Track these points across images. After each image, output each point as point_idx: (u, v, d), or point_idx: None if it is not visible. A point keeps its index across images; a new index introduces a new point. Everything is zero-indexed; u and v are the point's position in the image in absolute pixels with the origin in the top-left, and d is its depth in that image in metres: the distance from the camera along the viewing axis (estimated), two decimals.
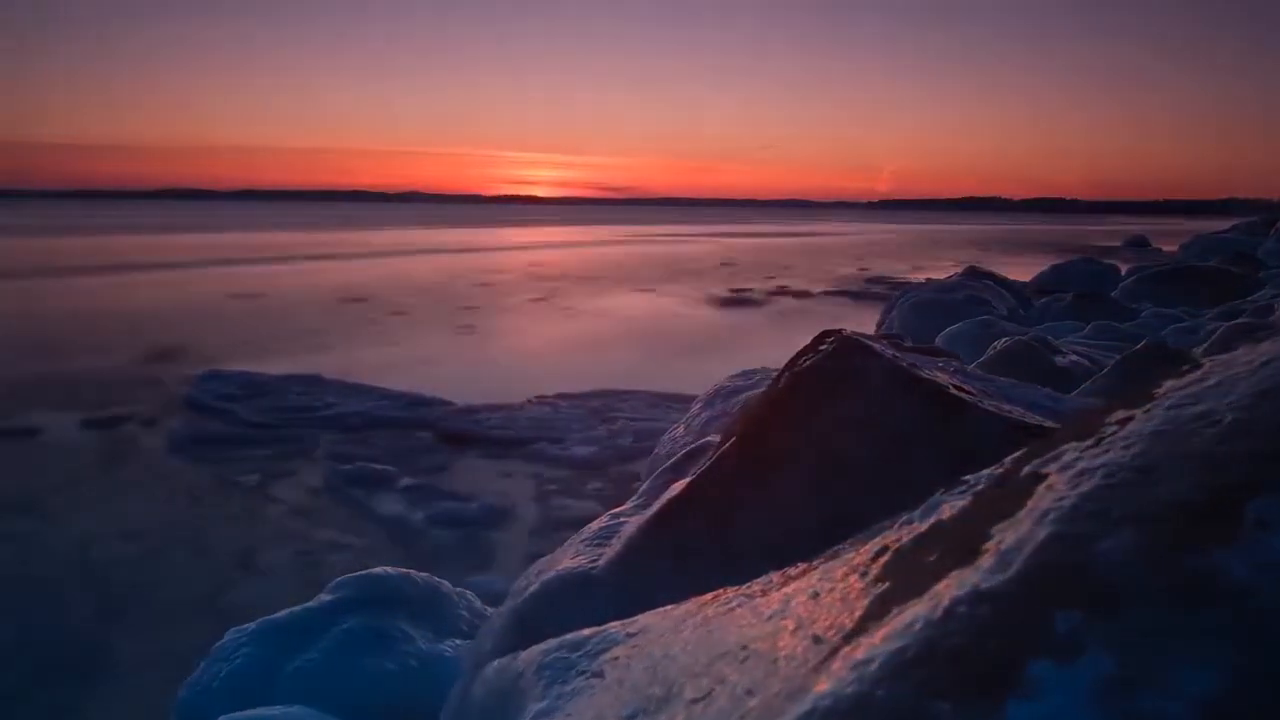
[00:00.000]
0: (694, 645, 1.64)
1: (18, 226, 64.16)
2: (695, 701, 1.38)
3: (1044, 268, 22.25)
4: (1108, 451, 1.25)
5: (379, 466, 8.32)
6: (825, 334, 3.10)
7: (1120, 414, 1.38)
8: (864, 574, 1.48)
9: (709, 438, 4.33)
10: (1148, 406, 1.35)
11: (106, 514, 7.26)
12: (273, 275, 29.17)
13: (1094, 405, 2.90)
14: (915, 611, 1.13)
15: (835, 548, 1.79)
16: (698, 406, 6.42)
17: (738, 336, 17.11)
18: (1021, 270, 24.15)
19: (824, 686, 1.09)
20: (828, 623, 1.35)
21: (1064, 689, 0.93)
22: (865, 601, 1.34)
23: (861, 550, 1.61)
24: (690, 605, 1.95)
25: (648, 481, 3.92)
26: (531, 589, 2.96)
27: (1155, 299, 15.94)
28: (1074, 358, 7.98)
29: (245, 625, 3.68)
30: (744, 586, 1.88)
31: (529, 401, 10.88)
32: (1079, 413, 2.69)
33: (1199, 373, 1.42)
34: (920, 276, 24.43)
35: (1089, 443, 1.32)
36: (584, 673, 1.86)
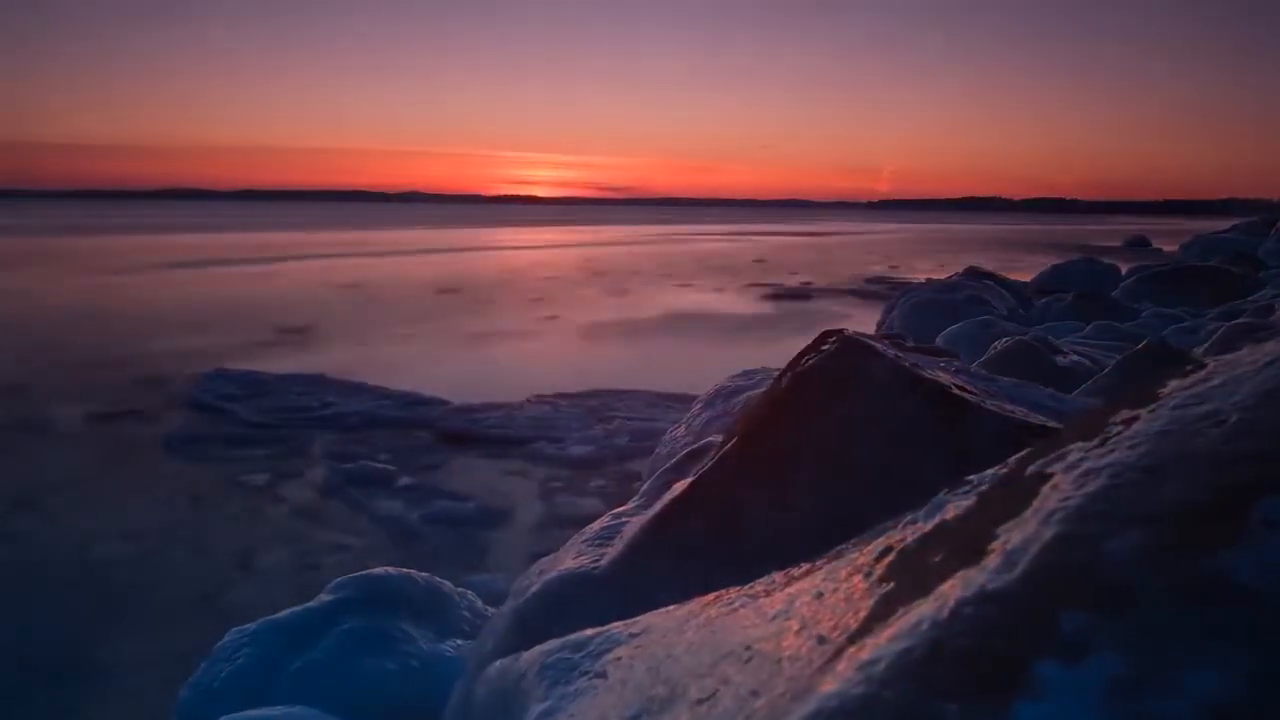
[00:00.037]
0: (697, 646, 1.64)
1: (19, 226, 64.18)
2: (699, 702, 1.38)
3: (1044, 268, 22.26)
4: (1113, 451, 1.24)
5: (379, 466, 8.32)
6: (827, 334, 3.10)
7: (1125, 414, 1.38)
8: (868, 574, 1.47)
9: (710, 438, 4.33)
10: (1152, 406, 1.34)
11: (105, 513, 7.25)
12: (360, 269, 30.49)
13: (1097, 405, 2.90)
14: (921, 612, 1.13)
15: (839, 548, 1.79)
16: (698, 406, 6.42)
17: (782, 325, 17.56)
18: (1021, 270, 24.14)
19: (830, 687, 1.09)
20: (832, 623, 1.35)
21: (1071, 690, 0.93)
22: (870, 602, 1.34)
23: (865, 550, 1.60)
24: (693, 605, 1.94)
25: (649, 481, 3.92)
26: (533, 589, 2.95)
27: (1155, 299, 15.94)
28: (1075, 358, 7.98)
29: (246, 625, 3.67)
30: (747, 587, 1.87)
31: (528, 400, 10.88)
32: (1083, 413, 2.69)
33: (1203, 373, 1.41)
34: (921, 276, 24.45)
35: (1094, 443, 1.31)
36: (587, 673, 1.85)
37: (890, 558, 1.47)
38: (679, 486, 3.07)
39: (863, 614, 1.30)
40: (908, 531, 1.53)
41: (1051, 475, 1.29)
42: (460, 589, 4.05)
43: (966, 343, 10.39)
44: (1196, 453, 1.16)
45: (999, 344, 8.17)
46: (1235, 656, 0.91)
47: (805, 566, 1.81)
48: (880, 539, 1.59)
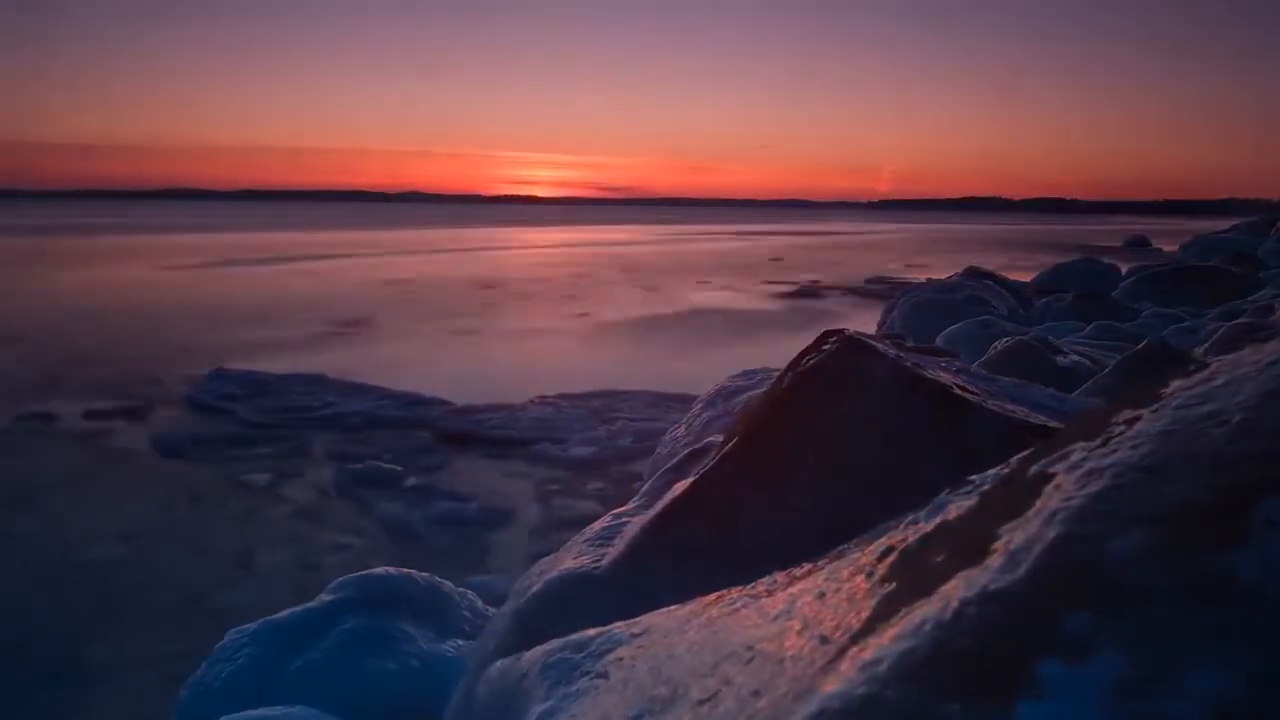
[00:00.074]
0: (699, 646, 1.64)
1: (23, 227, 64.23)
2: (701, 702, 1.37)
3: (1044, 268, 22.25)
4: (1116, 451, 1.24)
5: (380, 466, 8.32)
6: (828, 333, 3.10)
7: (1127, 414, 1.38)
8: (870, 574, 1.47)
9: (711, 438, 4.33)
10: (1155, 406, 1.34)
11: (103, 513, 7.25)
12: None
13: (1098, 405, 2.89)
14: (923, 612, 1.13)
15: (840, 548, 1.79)
16: (699, 406, 6.42)
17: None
18: (1022, 270, 24.14)
19: (833, 687, 1.09)
20: (834, 623, 1.35)
21: (1074, 690, 0.93)
22: (872, 602, 1.33)
23: (867, 550, 1.60)
24: (695, 606, 1.94)
25: (650, 481, 3.92)
26: (534, 589, 2.95)
27: (1155, 299, 15.94)
28: (1075, 358, 7.98)
29: (246, 625, 3.67)
30: (749, 587, 1.87)
31: (530, 401, 10.87)
32: (1084, 413, 2.68)
33: (1206, 373, 1.41)
34: (921, 276, 24.47)
35: (1097, 443, 1.31)
36: (588, 673, 1.85)
37: (892, 558, 1.47)
38: (680, 486, 3.07)
39: (865, 614, 1.30)
40: (909, 531, 1.53)
41: (1054, 475, 1.29)
42: (461, 589, 4.05)
43: (966, 343, 10.39)
44: (1199, 453, 1.16)
45: (999, 344, 8.17)
46: (1241, 657, 0.91)
47: (807, 566, 1.80)
48: (882, 539, 1.59)
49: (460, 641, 3.63)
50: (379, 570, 3.90)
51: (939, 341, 10.59)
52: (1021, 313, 15.20)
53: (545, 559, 3.42)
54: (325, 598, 3.76)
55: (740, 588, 1.89)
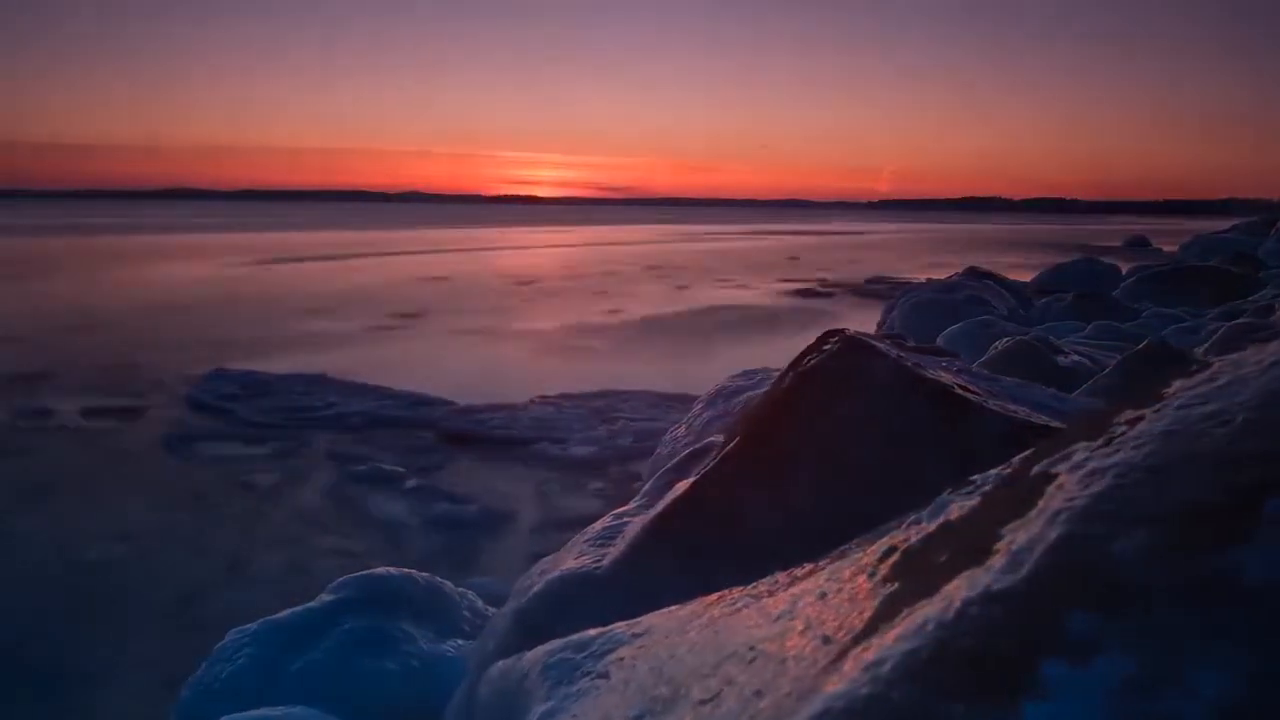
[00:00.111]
0: (700, 646, 1.63)
1: (21, 226, 64.27)
2: (703, 703, 1.37)
3: (1044, 268, 22.24)
4: (1119, 451, 1.24)
5: (380, 467, 8.31)
6: (829, 333, 3.10)
7: (1129, 414, 1.37)
8: (872, 574, 1.47)
9: (711, 438, 4.32)
10: (1158, 406, 1.34)
11: (103, 513, 7.24)
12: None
13: (1099, 405, 2.89)
14: (926, 612, 1.13)
15: (842, 548, 1.79)
16: (699, 406, 6.42)
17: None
18: (1022, 270, 24.13)
19: (836, 687, 1.09)
20: (837, 623, 1.35)
21: (1079, 690, 0.93)
22: (874, 602, 1.33)
23: (869, 551, 1.60)
24: (696, 606, 1.94)
25: (650, 481, 3.91)
26: (535, 589, 2.95)
27: (1156, 299, 15.94)
28: (1075, 358, 7.98)
29: (247, 625, 3.67)
30: (750, 587, 1.87)
31: (532, 402, 10.86)
32: (1086, 413, 2.68)
33: (1208, 373, 1.41)
34: (921, 276, 24.47)
35: (1099, 443, 1.31)
36: (589, 674, 1.85)
37: (894, 558, 1.46)
38: (681, 486, 3.06)
39: (867, 614, 1.29)
40: (911, 532, 1.53)
41: (1056, 475, 1.29)
42: (461, 589, 4.05)
43: (967, 343, 10.39)
44: (1203, 453, 1.15)
45: (999, 344, 8.16)
46: (1246, 658, 0.91)
47: (808, 566, 1.80)
48: (884, 539, 1.59)
49: (460, 641, 3.63)
50: (379, 570, 3.90)
51: (939, 341, 10.59)
52: (1021, 313, 15.20)
53: (546, 559, 3.41)
54: (325, 598, 3.76)
55: (742, 587, 1.89)
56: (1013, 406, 2.87)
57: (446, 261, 35.95)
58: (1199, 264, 20.44)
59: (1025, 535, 1.16)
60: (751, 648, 1.46)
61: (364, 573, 3.87)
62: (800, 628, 1.42)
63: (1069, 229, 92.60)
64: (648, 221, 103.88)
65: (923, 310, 14.51)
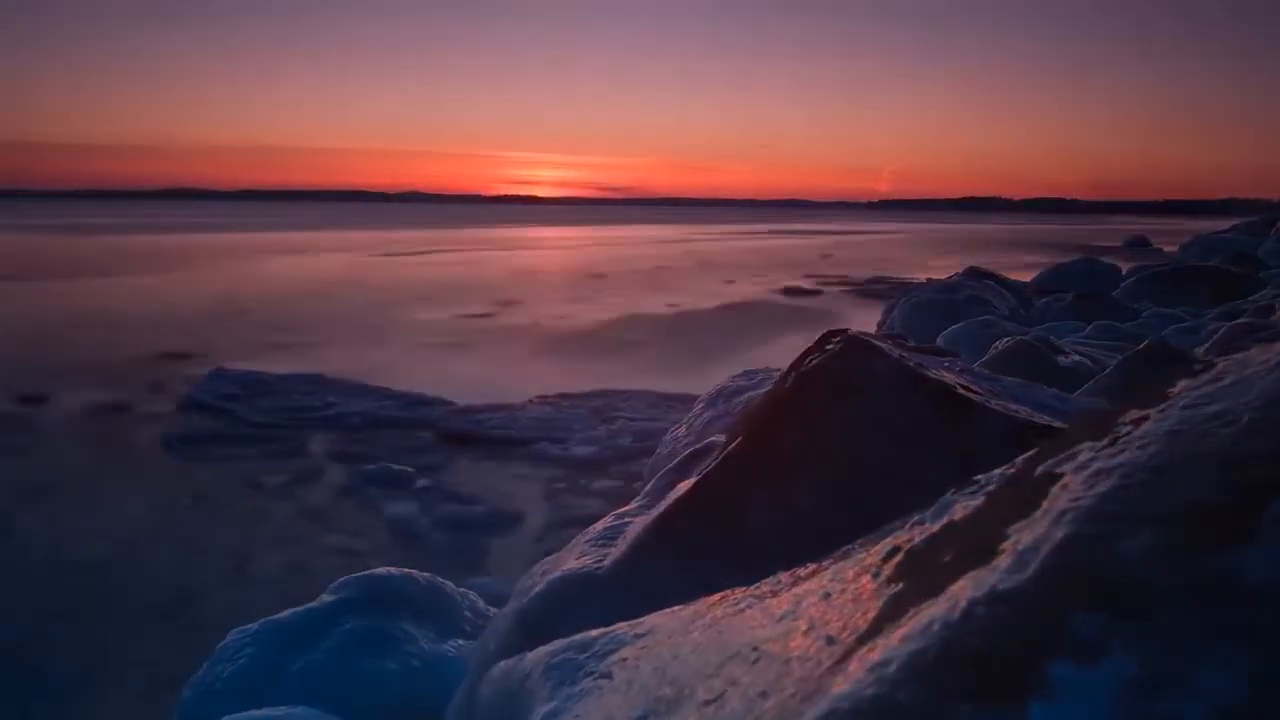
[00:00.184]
0: (704, 646, 1.63)
1: (19, 226, 64.29)
2: (707, 703, 1.37)
3: (1044, 268, 22.23)
4: (1123, 451, 1.24)
5: (381, 467, 8.30)
6: (831, 333, 3.09)
7: (1133, 414, 1.37)
8: (876, 575, 1.47)
9: (712, 438, 4.32)
10: (1162, 406, 1.34)
11: (103, 512, 7.24)
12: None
13: (1101, 405, 2.89)
14: (932, 613, 1.12)
15: (845, 548, 1.79)
16: (699, 406, 6.42)
17: None
18: (1022, 270, 24.12)
19: (841, 688, 1.08)
20: (841, 624, 1.34)
21: (1085, 690, 0.92)
22: (879, 602, 1.33)
23: (872, 551, 1.60)
24: (699, 606, 1.94)
25: (651, 481, 3.91)
26: (536, 589, 2.95)
27: (1156, 299, 15.93)
28: (1076, 358, 7.97)
29: (248, 625, 3.66)
30: (753, 587, 1.87)
31: (534, 400, 10.85)
32: (1090, 413, 2.68)
33: (1212, 373, 1.41)
34: (921, 276, 24.46)
35: (1104, 443, 1.31)
36: (592, 674, 1.85)
37: (898, 558, 1.46)
38: (683, 486, 3.06)
39: (872, 614, 1.29)
40: (915, 532, 1.53)
41: (1061, 475, 1.29)
42: (462, 589, 4.04)
43: (967, 343, 10.38)
44: (1208, 453, 1.15)
45: (1000, 344, 8.16)
46: (1250, 658, 0.90)
47: (811, 567, 1.80)
48: (887, 539, 1.59)
49: (461, 642, 3.62)
50: (380, 570, 3.89)
51: (940, 341, 10.58)
52: (1022, 313, 15.19)
53: (547, 559, 3.41)
54: (326, 598, 3.75)
55: (744, 588, 1.89)
56: (1015, 406, 2.87)
57: (526, 258, 39.00)
58: (1199, 264, 20.43)
59: (1031, 535, 1.16)
60: (755, 648, 1.46)
61: (365, 573, 3.87)
62: (804, 628, 1.42)
63: (1069, 229, 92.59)
64: (649, 221, 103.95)
65: (923, 310, 14.50)
